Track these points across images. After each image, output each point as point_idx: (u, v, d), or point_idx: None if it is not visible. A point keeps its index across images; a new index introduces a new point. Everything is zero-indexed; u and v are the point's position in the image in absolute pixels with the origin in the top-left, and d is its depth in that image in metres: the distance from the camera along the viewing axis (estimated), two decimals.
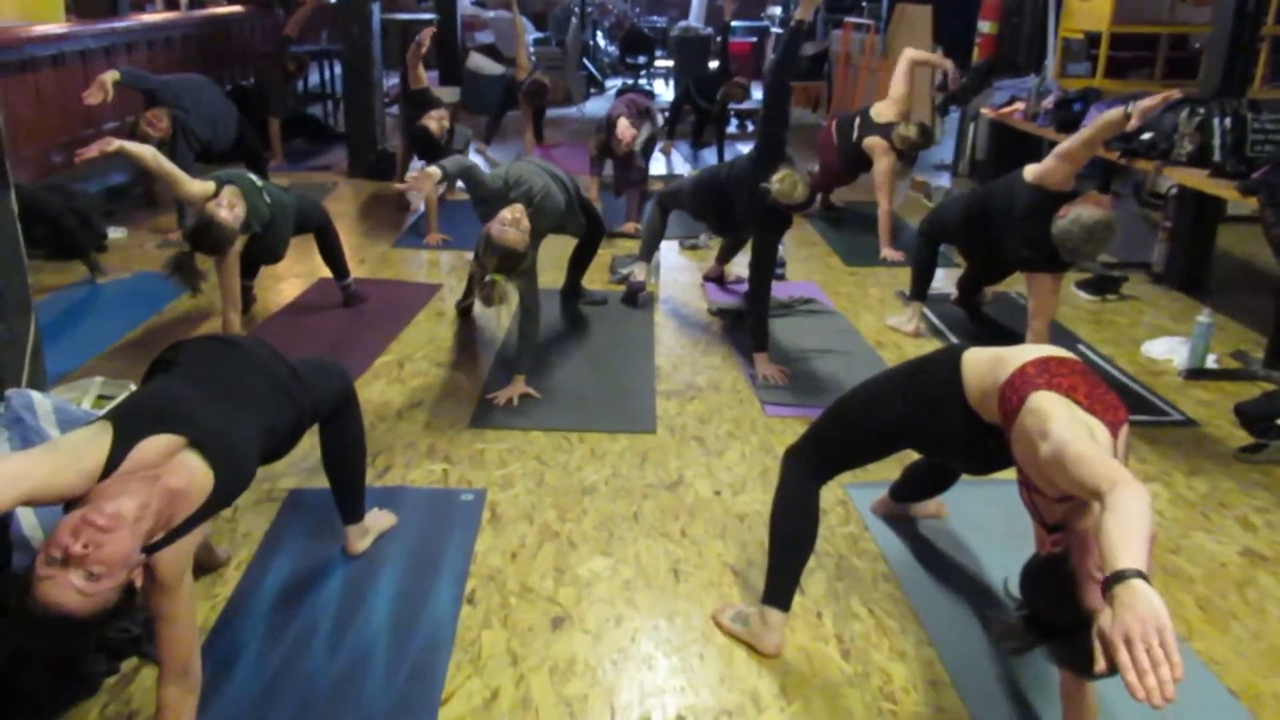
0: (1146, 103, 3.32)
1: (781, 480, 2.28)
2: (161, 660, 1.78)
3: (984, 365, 1.99)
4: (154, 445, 1.72)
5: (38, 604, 1.51)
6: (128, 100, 6.28)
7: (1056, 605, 1.57)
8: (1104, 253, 3.48)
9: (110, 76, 4.66)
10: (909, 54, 5.70)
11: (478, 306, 4.25)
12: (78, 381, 3.25)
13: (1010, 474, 2.39)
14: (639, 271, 4.59)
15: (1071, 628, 1.55)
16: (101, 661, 2.08)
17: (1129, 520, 1.42)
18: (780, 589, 2.22)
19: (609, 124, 5.72)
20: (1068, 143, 3.48)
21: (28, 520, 2.05)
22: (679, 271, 5.16)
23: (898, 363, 2.42)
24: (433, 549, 2.60)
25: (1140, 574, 1.34)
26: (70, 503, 1.66)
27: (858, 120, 5.71)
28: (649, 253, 4.66)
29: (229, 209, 3.57)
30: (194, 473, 1.75)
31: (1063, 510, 1.71)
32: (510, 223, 3.34)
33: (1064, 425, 1.69)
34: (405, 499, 2.83)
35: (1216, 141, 4.33)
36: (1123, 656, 1.28)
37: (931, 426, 2.10)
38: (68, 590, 1.51)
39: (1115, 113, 3.36)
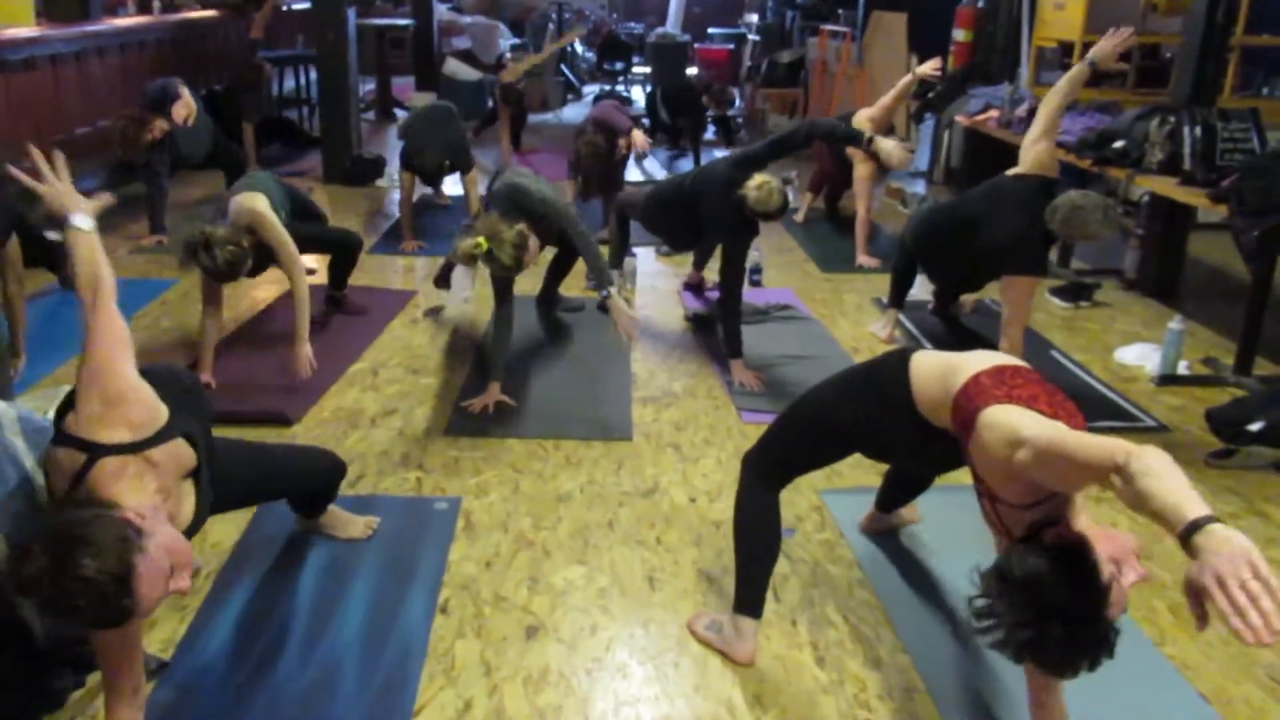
0: (1107, 44, 3.60)
1: (740, 488, 2.28)
2: (114, 683, 1.76)
3: (933, 371, 1.97)
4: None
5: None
6: (100, 103, 6.23)
7: (1068, 594, 1.52)
8: (1096, 237, 3.52)
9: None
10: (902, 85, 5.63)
11: (455, 310, 4.23)
12: (44, 390, 3.21)
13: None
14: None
15: (1084, 619, 1.51)
16: (68, 675, 2.05)
17: (1168, 477, 1.39)
18: (750, 597, 2.22)
19: (603, 128, 5.71)
20: (1044, 122, 3.62)
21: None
22: (656, 278, 5.16)
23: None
24: (406, 558, 2.58)
25: (1213, 518, 1.31)
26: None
27: None
28: (618, 260, 4.67)
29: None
30: None
31: (1031, 516, 1.70)
32: (533, 245, 3.35)
33: (1041, 427, 1.67)
34: (379, 507, 2.80)
35: (1187, 150, 4.37)
36: (1220, 601, 1.25)
37: (880, 431, 2.10)
38: None
39: (1080, 68, 3.65)
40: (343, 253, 4.27)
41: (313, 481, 2.54)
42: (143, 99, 5.26)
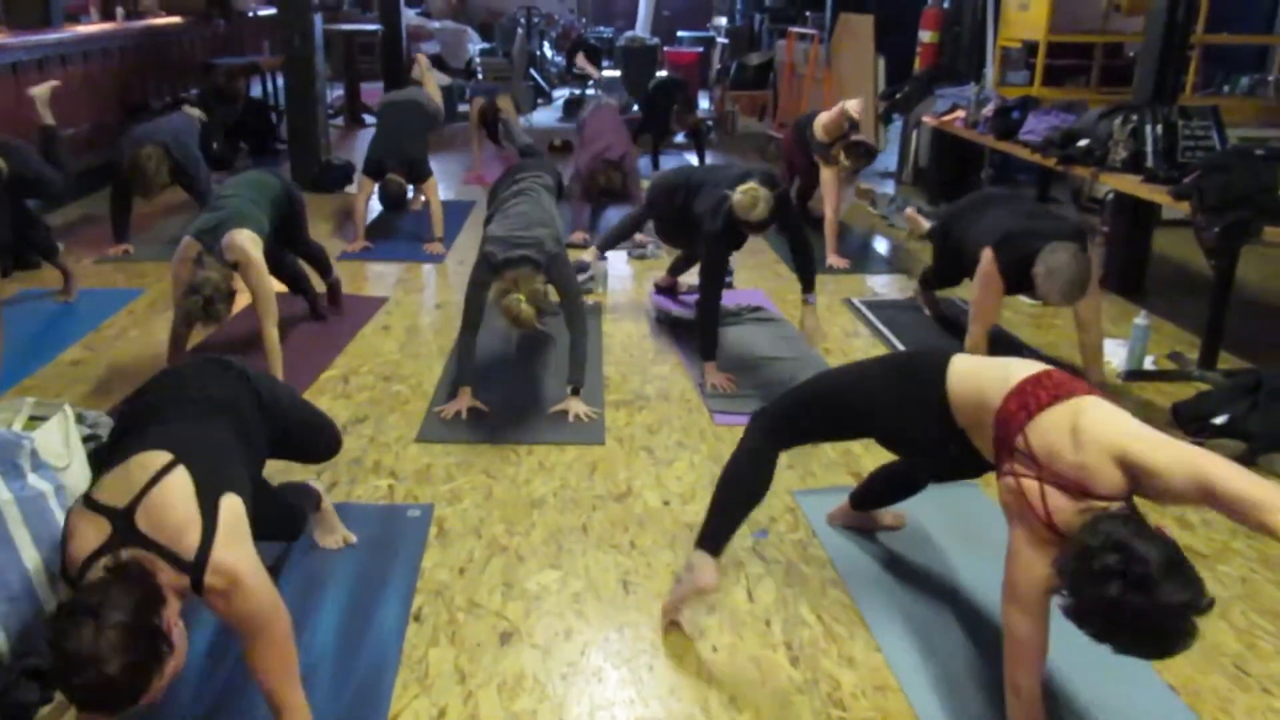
0: None
1: (744, 437, 2.31)
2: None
3: (975, 370, 2.03)
4: None
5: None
6: (64, 111, 6.15)
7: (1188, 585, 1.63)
8: (1045, 293, 3.47)
9: None
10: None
11: (441, 296, 4.20)
12: (8, 402, 3.15)
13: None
14: (587, 254, 4.63)
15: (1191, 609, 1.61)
16: (34, 691, 2.02)
17: None
18: (714, 536, 2.24)
19: (622, 169, 5.82)
20: None
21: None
22: (627, 281, 5.16)
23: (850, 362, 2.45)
24: (379, 566, 2.56)
25: None
26: None
27: (808, 131, 5.78)
28: (608, 243, 4.72)
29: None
30: None
31: (1098, 508, 1.74)
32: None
33: (1164, 436, 1.78)
34: (351, 516, 2.78)
35: (1149, 148, 4.44)
36: None
37: (905, 422, 2.15)
38: None
39: None
40: (294, 282, 4.28)
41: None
42: (164, 139, 5.07)
